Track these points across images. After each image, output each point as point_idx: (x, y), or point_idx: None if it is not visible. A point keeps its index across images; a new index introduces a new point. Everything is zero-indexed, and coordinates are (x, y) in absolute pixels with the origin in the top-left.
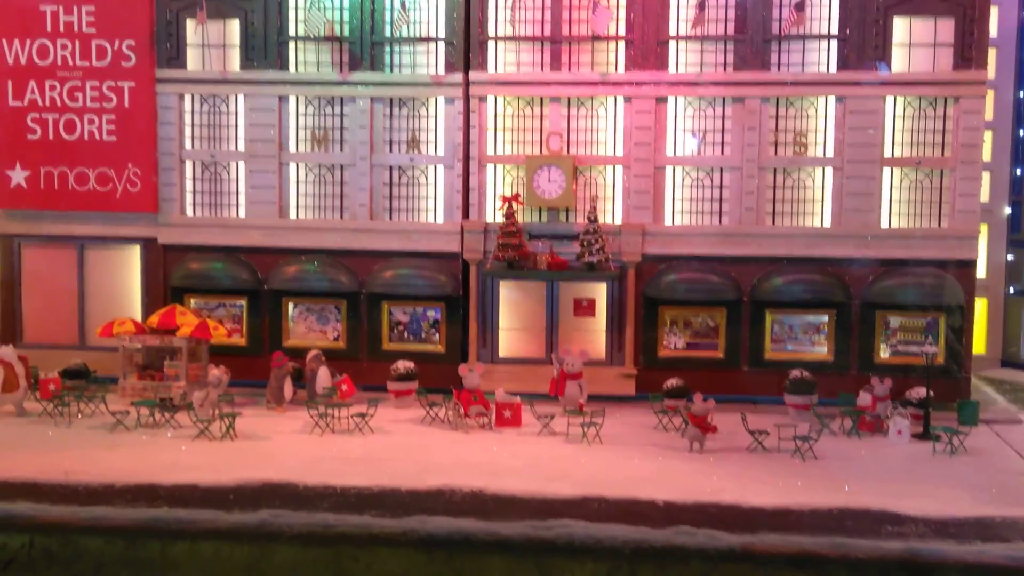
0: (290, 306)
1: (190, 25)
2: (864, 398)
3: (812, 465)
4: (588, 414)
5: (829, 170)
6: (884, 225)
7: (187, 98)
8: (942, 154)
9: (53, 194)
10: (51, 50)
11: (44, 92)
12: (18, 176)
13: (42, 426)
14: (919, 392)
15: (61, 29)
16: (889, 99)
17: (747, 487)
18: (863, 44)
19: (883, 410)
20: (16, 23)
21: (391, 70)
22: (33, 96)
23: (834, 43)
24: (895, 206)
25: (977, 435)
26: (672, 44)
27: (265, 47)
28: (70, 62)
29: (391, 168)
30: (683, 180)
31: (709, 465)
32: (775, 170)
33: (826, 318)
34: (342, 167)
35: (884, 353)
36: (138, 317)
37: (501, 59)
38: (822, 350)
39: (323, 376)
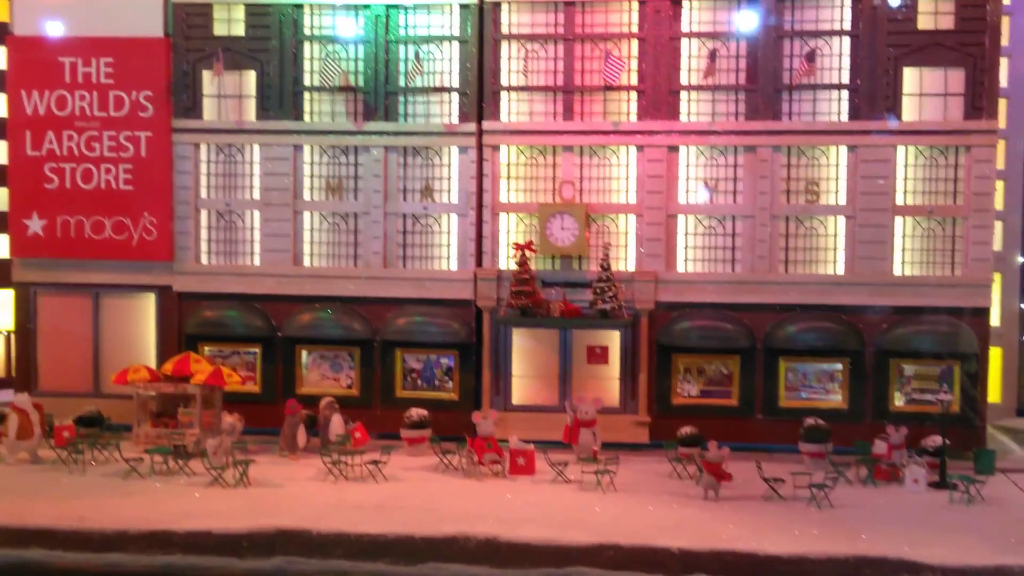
0: (304, 353)
1: (206, 76)
2: (880, 446)
3: (828, 513)
4: (602, 462)
5: (841, 218)
6: (897, 273)
7: (203, 148)
8: (954, 202)
9: (69, 242)
10: (69, 101)
11: (62, 142)
12: (35, 225)
13: (56, 473)
14: (935, 440)
15: (80, 80)
16: (900, 148)
17: (763, 535)
18: (874, 94)
19: (899, 458)
20: (35, 75)
21: (405, 120)
22: (51, 146)
23: (845, 93)
24: (908, 254)
25: (994, 484)
26: (684, 94)
27: (280, 97)
28: (88, 112)
29: (405, 216)
30: (695, 228)
31: (725, 513)
32: (787, 218)
33: (840, 366)
34: (356, 215)
35: (899, 401)
36: (152, 364)
37: (514, 109)
38: (836, 398)
39: (336, 424)
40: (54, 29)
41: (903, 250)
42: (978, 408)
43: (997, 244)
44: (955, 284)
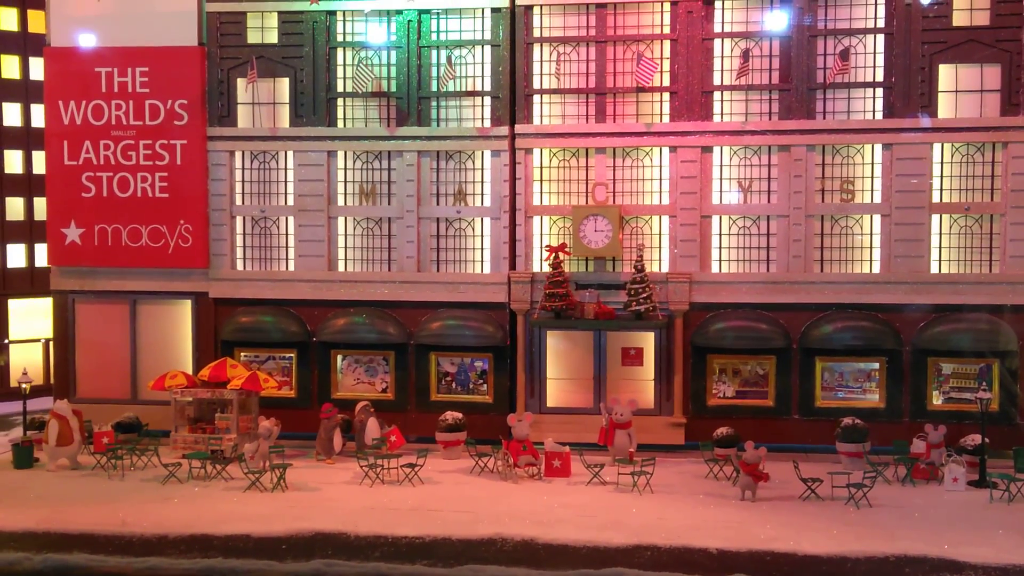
0: (339, 358)
1: (240, 84)
2: (918, 445)
3: (867, 513)
4: (638, 463)
5: (877, 217)
6: (934, 271)
7: (238, 155)
8: (991, 199)
9: (107, 250)
10: (106, 110)
11: (99, 151)
12: (73, 234)
13: (96, 479)
14: (974, 439)
15: (116, 90)
16: (936, 145)
17: (802, 535)
18: (909, 91)
19: (937, 457)
20: (72, 85)
21: (438, 124)
22: (88, 155)
23: (880, 91)
24: (945, 252)
25: None
26: (717, 94)
27: (314, 104)
28: (124, 122)
29: (438, 220)
30: (729, 228)
31: (762, 513)
32: (822, 217)
33: (877, 365)
34: (390, 220)
35: (937, 400)
36: (189, 370)
37: (546, 111)
38: (874, 397)
39: (372, 427)
40: (90, 40)
41: (940, 248)
42: (1018, 406)
43: None
44: (993, 281)
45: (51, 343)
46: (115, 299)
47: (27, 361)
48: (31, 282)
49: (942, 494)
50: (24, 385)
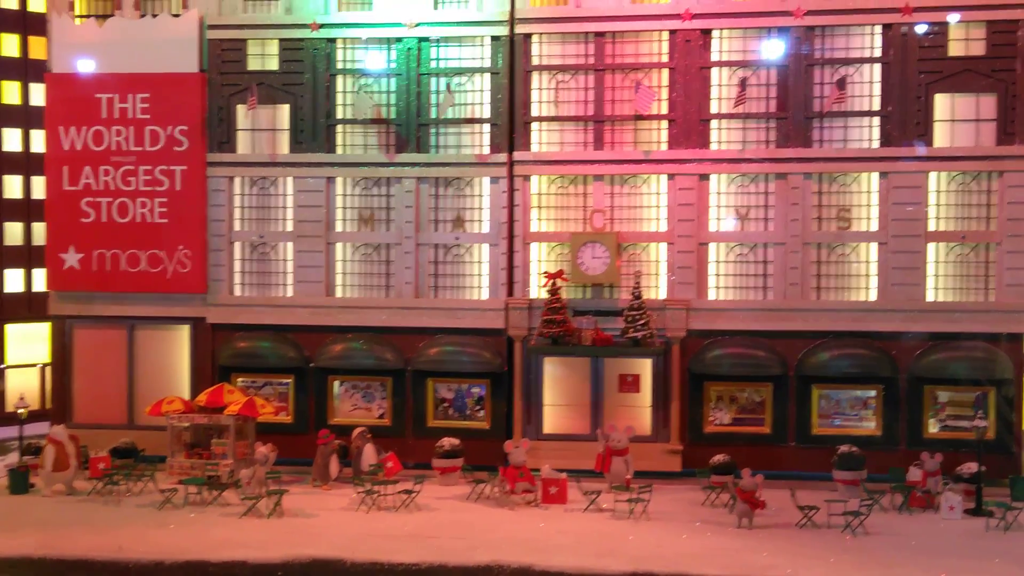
0: (336, 384)
1: (241, 110)
2: (914, 473)
3: (864, 541)
4: (635, 490)
5: (874, 245)
6: (930, 299)
7: (237, 181)
8: (987, 228)
9: (105, 276)
10: (106, 136)
11: (98, 177)
12: (71, 259)
13: (92, 505)
14: (970, 467)
15: (116, 116)
16: (933, 174)
17: (798, 563)
18: (905, 120)
19: (934, 485)
20: (73, 111)
21: (437, 151)
22: (88, 181)
23: (876, 119)
24: (941, 280)
25: None
26: (714, 122)
27: (314, 130)
28: (124, 147)
29: (436, 246)
30: (727, 256)
31: (759, 541)
32: (819, 245)
33: (873, 393)
34: (388, 246)
35: (933, 428)
36: (186, 396)
37: (545, 139)
38: (870, 425)
39: (369, 453)
40: (90, 66)
41: (936, 276)
42: (1014, 434)
43: None
44: (989, 310)
45: (48, 368)
46: (113, 324)
47: (24, 386)
48: (29, 307)
49: (938, 522)
50: (21, 410)
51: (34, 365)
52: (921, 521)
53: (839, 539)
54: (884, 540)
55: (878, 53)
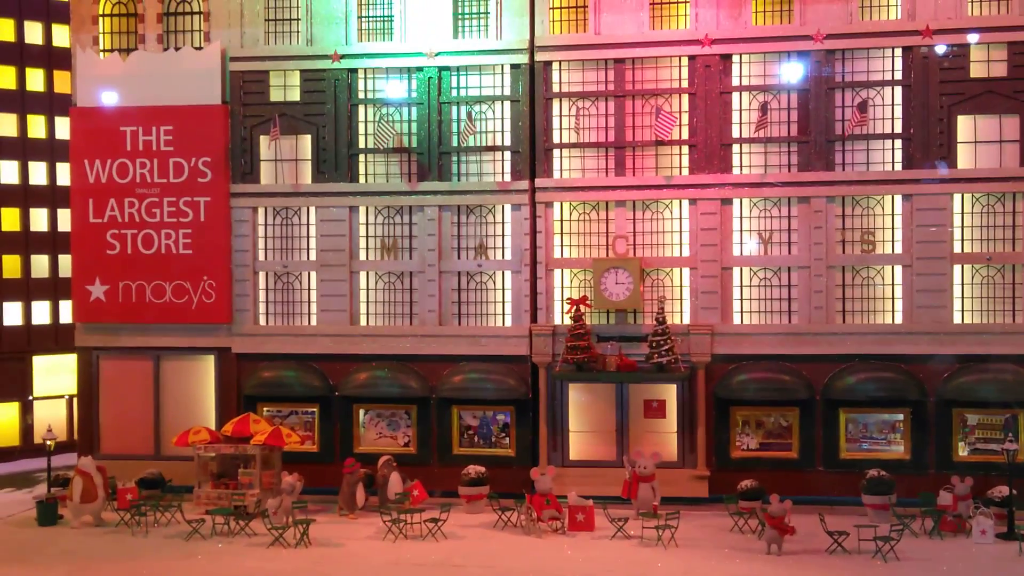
0: (361, 412)
1: (263, 141)
2: (945, 497)
3: (895, 567)
4: (662, 517)
5: (899, 267)
6: (957, 321)
7: (260, 211)
8: (1013, 249)
9: (131, 307)
10: (130, 169)
11: (123, 209)
12: (97, 291)
13: (120, 536)
14: (1001, 491)
15: (140, 148)
16: (956, 196)
17: None
18: (928, 142)
19: (965, 509)
20: (97, 144)
21: (458, 179)
22: (113, 213)
23: (899, 142)
24: (967, 302)
25: None
26: (736, 147)
27: (336, 160)
28: (148, 179)
29: (459, 274)
30: (750, 280)
31: (789, 567)
32: (843, 268)
33: (901, 416)
34: (411, 274)
35: (963, 451)
36: (212, 426)
37: (566, 165)
38: (899, 449)
39: (395, 482)
40: (114, 99)
41: (963, 298)
42: None
43: None
44: (1017, 331)
45: (75, 399)
46: (139, 355)
47: (51, 417)
48: (56, 339)
49: (970, 547)
50: (48, 442)
51: (61, 397)
52: (953, 546)
53: (870, 565)
54: (915, 566)
55: (899, 76)
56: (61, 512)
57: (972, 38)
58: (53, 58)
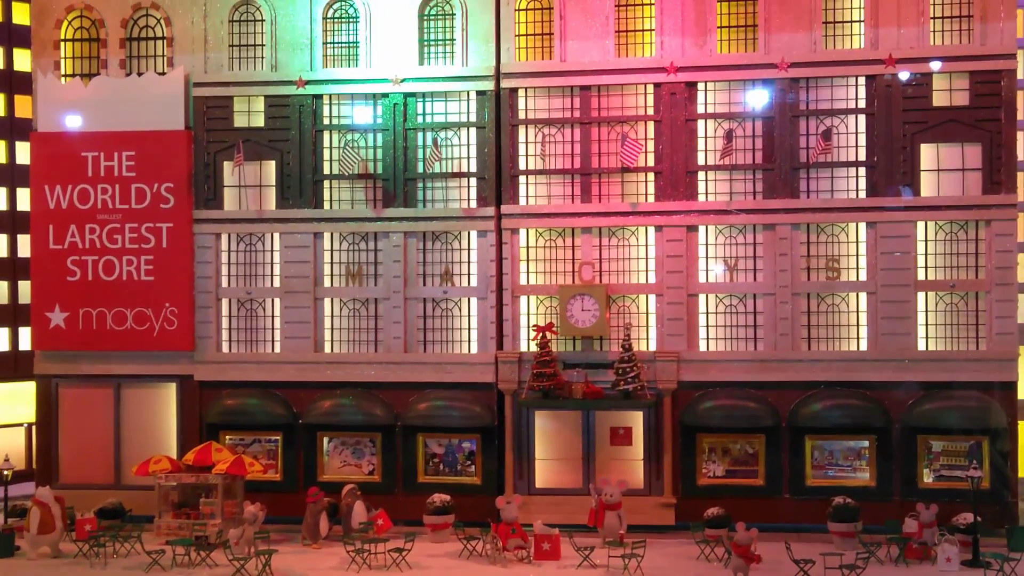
0: (325, 440)
1: (227, 167)
2: (910, 524)
3: None
4: (628, 545)
5: (863, 295)
6: (921, 348)
7: (224, 237)
8: (976, 277)
9: (91, 334)
10: (92, 194)
11: (84, 235)
12: (57, 318)
13: (78, 567)
14: (966, 518)
15: (102, 174)
16: (920, 224)
17: None
18: (891, 170)
19: (930, 537)
20: (58, 169)
21: (424, 205)
22: (73, 239)
23: (863, 170)
24: (932, 329)
25: None
26: (701, 174)
27: (300, 186)
28: (110, 205)
29: (425, 301)
30: (716, 307)
31: None
32: (808, 295)
33: (867, 443)
34: (376, 301)
35: (928, 478)
36: (174, 454)
37: (532, 192)
38: (864, 476)
39: (359, 511)
40: (76, 124)
41: (927, 325)
42: (1009, 484)
43: (1022, 317)
44: (981, 359)
45: (34, 428)
46: (99, 383)
47: (9, 446)
48: (15, 367)
49: (936, 574)
50: (5, 471)
51: (19, 425)
52: (918, 573)
53: None
54: None
55: (863, 104)
56: (18, 543)
57: (935, 67)
58: (14, 82)
